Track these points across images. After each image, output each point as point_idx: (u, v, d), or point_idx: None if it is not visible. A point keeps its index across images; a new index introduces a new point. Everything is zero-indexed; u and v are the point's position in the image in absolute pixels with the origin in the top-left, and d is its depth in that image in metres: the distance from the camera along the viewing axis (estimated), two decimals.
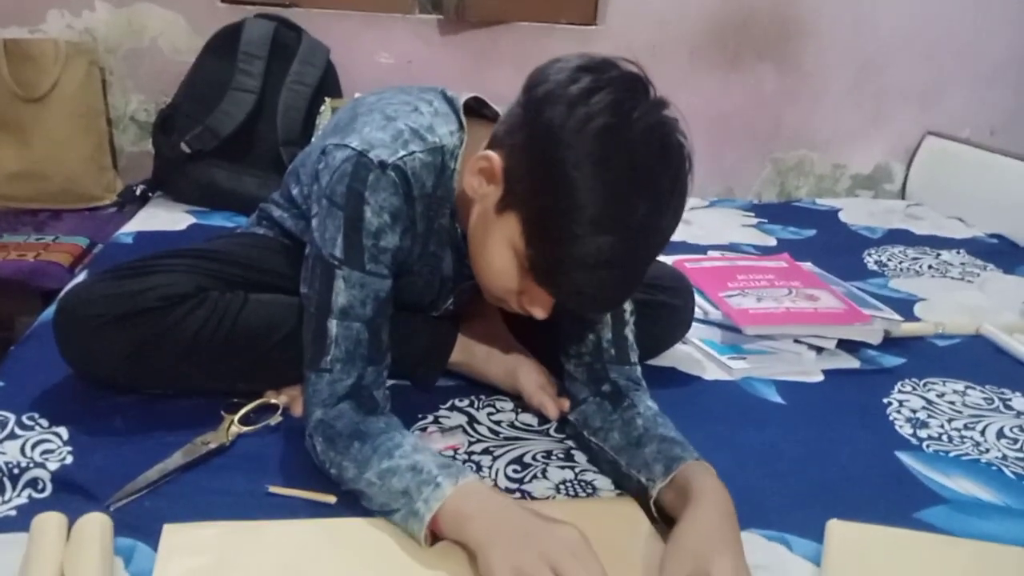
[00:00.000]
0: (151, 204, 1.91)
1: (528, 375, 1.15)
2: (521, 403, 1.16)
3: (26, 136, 1.89)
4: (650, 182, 0.83)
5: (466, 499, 0.82)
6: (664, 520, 0.92)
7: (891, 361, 1.40)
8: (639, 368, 1.08)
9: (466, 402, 1.17)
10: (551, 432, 1.12)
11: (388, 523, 0.87)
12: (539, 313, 0.93)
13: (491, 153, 0.89)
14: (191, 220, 1.79)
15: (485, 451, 1.06)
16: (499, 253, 0.90)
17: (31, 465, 0.94)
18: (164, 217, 1.80)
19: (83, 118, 1.94)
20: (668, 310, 1.24)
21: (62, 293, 1.09)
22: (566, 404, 1.10)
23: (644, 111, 0.84)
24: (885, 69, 2.41)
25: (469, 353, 1.18)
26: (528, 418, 1.14)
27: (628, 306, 1.08)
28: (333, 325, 0.94)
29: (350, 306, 0.95)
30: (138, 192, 1.96)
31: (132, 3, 2.01)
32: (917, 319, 1.57)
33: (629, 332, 1.08)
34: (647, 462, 0.95)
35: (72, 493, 0.91)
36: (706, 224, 2.08)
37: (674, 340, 1.30)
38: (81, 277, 1.45)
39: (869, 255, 1.94)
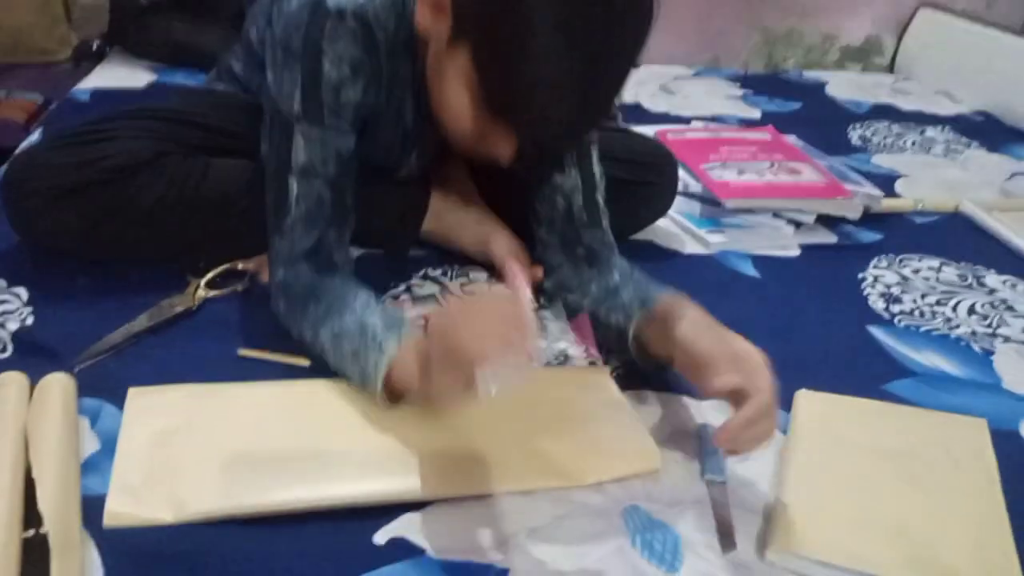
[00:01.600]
0: (108, 60, 1.81)
1: (500, 242, 1.13)
2: (494, 272, 1.14)
3: None
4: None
5: (409, 354, 0.80)
6: (646, 363, 0.93)
7: (869, 237, 1.39)
8: (611, 233, 1.07)
9: (439, 271, 1.15)
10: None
11: (330, 384, 0.87)
12: (503, 154, 0.86)
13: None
14: (151, 77, 1.71)
15: None
16: (454, 92, 0.83)
17: None
18: (122, 73, 1.71)
19: None
20: (651, 188, 1.21)
21: (10, 159, 1.03)
22: (539, 272, 1.08)
23: None
24: None
25: (441, 221, 1.15)
26: (502, 288, 1.13)
27: (598, 170, 1.05)
28: (294, 184, 0.90)
29: (311, 164, 0.90)
30: (94, 47, 1.86)
31: None
32: (898, 195, 1.56)
33: (600, 196, 1.05)
34: (624, 304, 0.95)
35: (34, 355, 0.89)
36: (690, 94, 2.02)
37: (656, 217, 1.28)
38: (35, 136, 1.38)
39: (854, 129, 1.91)
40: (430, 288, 1.11)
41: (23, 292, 0.99)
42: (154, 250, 1.04)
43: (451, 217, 1.15)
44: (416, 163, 1.10)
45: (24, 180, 0.97)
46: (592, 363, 0.99)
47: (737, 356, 0.80)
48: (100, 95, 1.59)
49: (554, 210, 1.05)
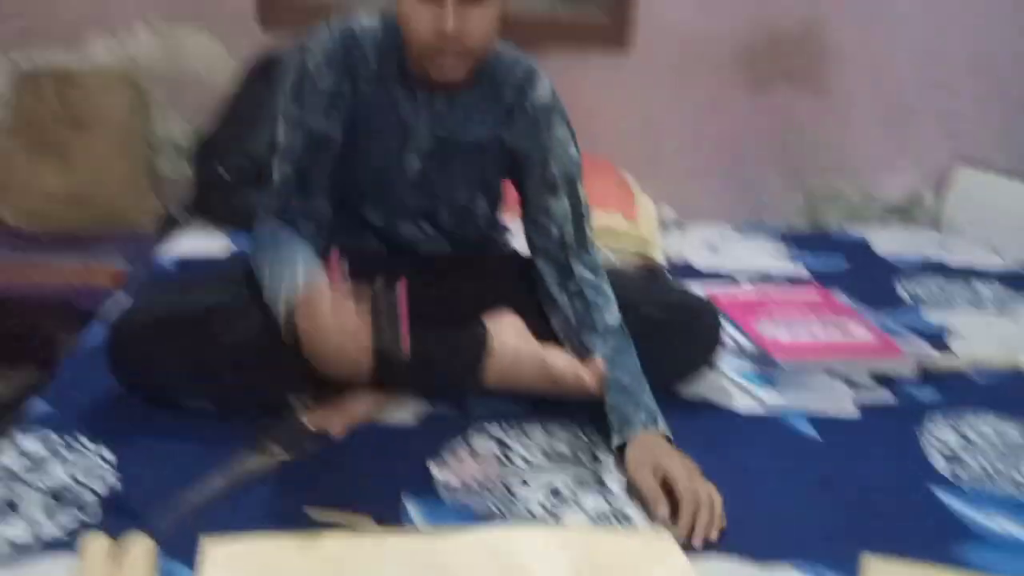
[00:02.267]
0: (190, 228, 1.95)
1: (556, 358, 1.17)
2: (554, 431, 1.17)
3: (69, 160, 1.95)
4: None
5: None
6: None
7: (926, 395, 1.39)
8: (599, 257, 1.26)
9: (497, 429, 1.18)
10: (583, 461, 1.12)
11: (422, 539, 0.90)
12: (448, 23, 1.04)
13: None
14: (230, 245, 1.83)
15: (518, 478, 1.07)
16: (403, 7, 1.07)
17: (79, 487, 0.96)
18: (202, 241, 1.84)
19: (124, 143, 1.99)
20: (689, 331, 1.28)
21: (118, 312, 1.18)
22: (600, 365, 1.15)
23: None
24: (916, 96, 2.40)
25: (500, 368, 1.19)
26: (561, 447, 1.15)
27: (585, 201, 1.25)
28: (275, 163, 1.15)
29: (286, 147, 1.14)
30: (177, 216, 2.00)
31: (174, 30, 2.06)
32: (951, 352, 1.56)
33: (588, 227, 1.25)
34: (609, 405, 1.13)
35: (118, 515, 0.93)
36: (736, 252, 2.08)
37: (698, 365, 1.31)
38: (121, 298, 1.48)
39: (901, 285, 1.93)
40: (490, 446, 1.14)
41: (109, 453, 1.04)
42: (241, 389, 1.12)
43: (506, 353, 1.19)
44: (416, 164, 1.21)
45: (127, 324, 1.12)
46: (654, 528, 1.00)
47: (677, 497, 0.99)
48: (183, 262, 1.70)
49: (548, 239, 1.24)
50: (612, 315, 1.20)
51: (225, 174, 1.87)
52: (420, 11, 1.07)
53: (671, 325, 1.25)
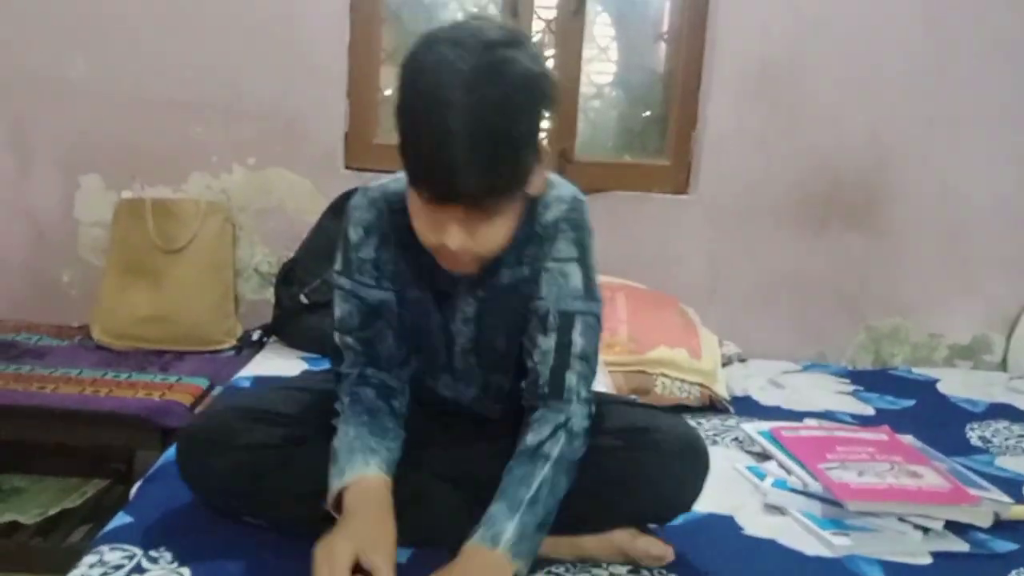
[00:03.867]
0: (267, 349, 2.04)
1: (623, 535, 1.17)
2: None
3: (160, 283, 2.07)
4: (443, 66, 0.94)
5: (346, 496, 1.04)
6: None
7: (1003, 546, 1.34)
8: (580, 408, 1.12)
9: (561, 567, 1.18)
10: None
11: None
12: (453, 241, 0.99)
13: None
14: (303, 366, 1.90)
15: None
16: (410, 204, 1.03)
17: None
18: (279, 362, 1.92)
19: (213, 268, 2.12)
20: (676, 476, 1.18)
21: (195, 419, 1.26)
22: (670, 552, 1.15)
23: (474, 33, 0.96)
24: (977, 236, 2.42)
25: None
26: None
27: (578, 350, 1.12)
28: (337, 337, 1.16)
29: (343, 319, 1.15)
30: (255, 337, 2.10)
31: (266, 168, 2.23)
32: None
33: (571, 375, 1.12)
34: (493, 509, 1.05)
35: None
36: (800, 389, 2.08)
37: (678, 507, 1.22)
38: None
39: (972, 430, 1.89)
40: None
41: (187, 572, 1.08)
42: (304, 511, 1.14)
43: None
44: (464, 338, 1.18)
45: (191, 435, 1.19)
46: None
47: None
48: (260, 381, 1.77)
49: (531, 371, 1.14)
50: (535, 437, 1.10)
51: (305, 299, 1.96)
52: (423, 214, 1.01)
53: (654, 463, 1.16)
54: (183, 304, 2.06)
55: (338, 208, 2.08)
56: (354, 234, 1.14)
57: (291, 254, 2.12)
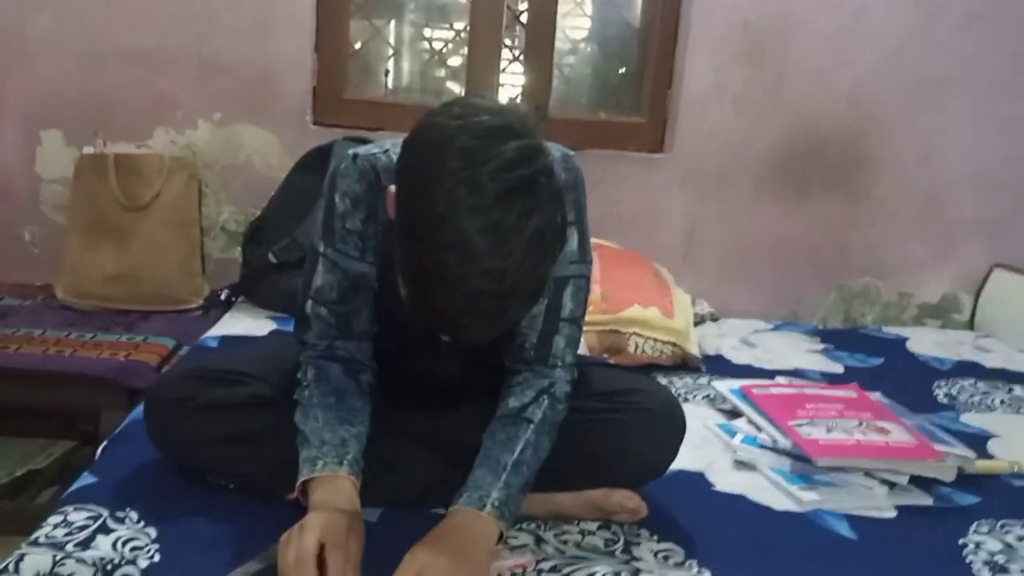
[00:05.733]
0: (235, 309, 2.01)
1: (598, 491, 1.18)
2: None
3: (125, 242, 2.03)
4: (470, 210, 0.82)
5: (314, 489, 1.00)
6: None
7: (966, 499, 1.37)
8: (564, 373, 1.12)
9: (532, 524, 1.18)
10: (617, 554, 1.12)
11: None
12: (445, 338, 0.96)
13: (391, 188, 0.92)
14: (272, 326, 1.88)
15: (553, 569, 1.07)
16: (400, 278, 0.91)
17: (123, 562, 0.98)
18: (247, 322, 1.89)
19: (179, 226, 2.07)
20: (652, 434, 1.19)
21: (157, 381, 1.23)
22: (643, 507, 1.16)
23: (495, 156, 0.83)
24: (952, 200, 2.43)
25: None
26: (594, 540, 1.15)
27: (568, 311, 1.11)
28: (310, 305, 1.11)
29: (321, 288, 1.10)
30: (223, 297, 2.07)
31: (232, 123, 2.17)
32: (991, 456, 1.54)
33: (559, 339, 1.12)
34: (476, 474, 1.04)
35: None
36: (771, 348, 2.09)
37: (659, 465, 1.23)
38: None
39: (939, 387, 1.92)
40: (525, 538, 1.14)
41: (152, 529, 1.06)
42: (269, 473, 1.12)
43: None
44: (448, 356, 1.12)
45: (156, 395, 1.18)
46: None
47: None
48: (227, 341, 1.75)
49: (518, 335, 1.12)
50: (518, 400, 1.10)
51: (273, 258, 1.93)
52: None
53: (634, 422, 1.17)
54: (149, 263, 2.02)
55: (307, 165, 2.04)
56: (340, 203, 1.07)
57: (258, 212, 2.08)
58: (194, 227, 2.11)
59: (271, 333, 1.81)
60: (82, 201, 2.06)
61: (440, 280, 0.83)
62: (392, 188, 0.91)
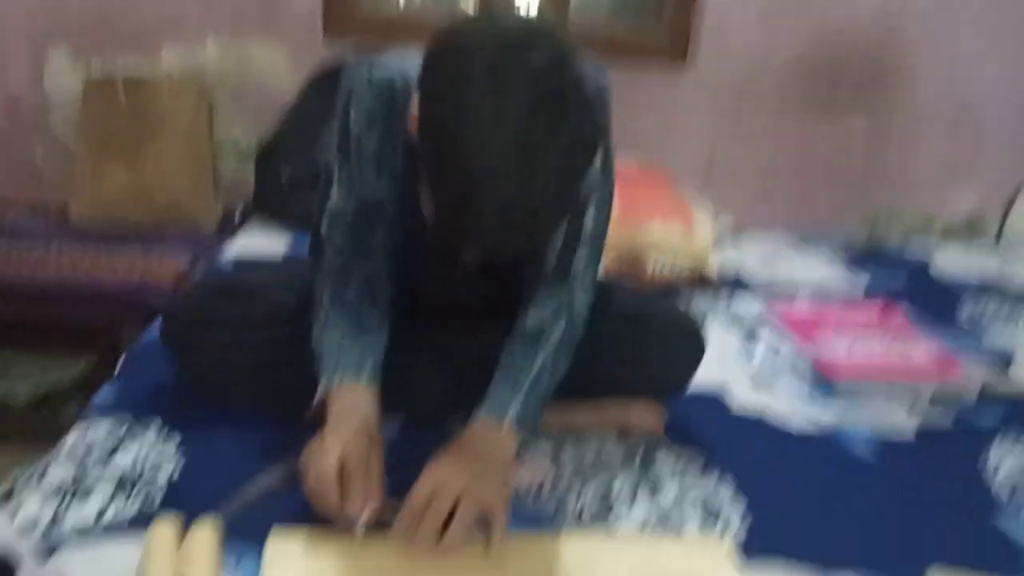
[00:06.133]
0: (249, 228, 1.99)
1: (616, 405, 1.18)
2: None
3: (137, 162, 2.00)
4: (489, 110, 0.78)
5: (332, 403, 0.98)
6: None
7: (987, 420, 1.35)
8: (583, 293, 1.08)
9: (551, 437, 1.18)
10: (635, 466, 1.12)
11: (479, 541, 0.90)
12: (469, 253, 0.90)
13: (415, 101, 0.87)
14: (285, 244, 1.86)
15: (571, 480, 1.08)
16: (424, 193, 0.88)
17: (145, 473, 0.99)
18: (261, 242, 1.88)
19: (190, 146, 2.04)
20: (672, 351, 1.19)
21: (176, 299, 1.23)
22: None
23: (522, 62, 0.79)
24: (982, 115, 2.36)
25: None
26: (612, 453, 1.15)
27: (589, 225, 1.07)
28: (324, 227, 1.07)
29: (336, 210, 1.05)
30: (237, 216, 2.05)
31: (241, 39, 2.11)
32: (1014, 376, 1.52)
33: (579, 258, 1.08)
34: (495, 387, 1.03)
35: (184, 499, 0.95)
36: (793, 267, 2.06)
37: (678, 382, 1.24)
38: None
39: (962, 306, 1.89)
40: (543, 448, 1.15)
41: (176, 440, 1.07)
42: (287, 391, 1.11)
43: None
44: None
45: (173, 315, 1.17)
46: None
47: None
48: (241, 261, 1.74)
49: (533, 261, 1.08)
50: (536, 319, 1.07)
51: (285, 177, 1.90)
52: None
53: (658, 340, 1.17)
54: (161, 183, 2.00)
55: (318, 81, 1.99)
56: (356, 123, 1.02)
57: (270, 130, 2.04)
58: (205, 146, 2.07)
59: (285, 257, 1.80)
60: (91, 123, 2.03)
61: (468, 195, 0.80)
62: (414, 104, 0.88)
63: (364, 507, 0.88)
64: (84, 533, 0.89)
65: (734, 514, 1.04)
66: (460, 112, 0.79)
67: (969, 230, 2.47)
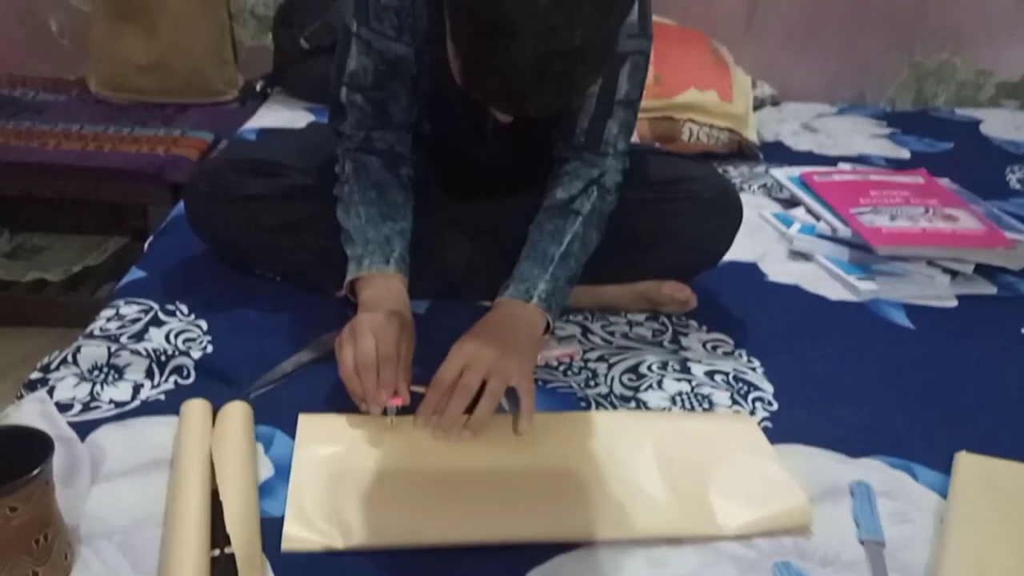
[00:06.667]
0: (271, 100, 1.95)
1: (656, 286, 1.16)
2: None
3: (153, 29, 1.93)
4: None
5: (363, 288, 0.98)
6: None
7: None
8: (616, 162, 1.05)
9: (579, 316, 1.17)
10: (665, 344, 1.11)
11: (507, 420, 0.91)
12: (502, 116, 0.86)
13: None
14: (310, 117, 1.82)
15: (600, 359, 1.07)
16: (450, 50, 0.83)
17: (176, 353, 1.00)
18: (284, 114, 1.84)
19: (206, 9, 1.95)
20: (709, 214, 1.15)
21: (198, 172, 1.21)
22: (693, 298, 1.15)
23: None
24: None
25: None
26: (642, 330, 1.14)
27: (624, 94, 1.03)
28: (344, 93, 1.03)
29: (356, 73, 1.01)
30: (258, 88, 1.99)
31: None
32: None
33: (612, 124, 1.04)
34: (522, 266, 1.01)
35: (214, 380, 0.96)
36: (834, 132, 1.98)
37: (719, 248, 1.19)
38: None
39: (1012, 172, 1.81)
40: (571, 329, 1.14)
41: (204, 322, 1.08)
42: (313, 262, 1.12)
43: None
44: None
45: (208, 189, 1.14)
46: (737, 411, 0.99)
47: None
48: (265, 133, 1.70)
49: (563, 126, 1.05)
50: (566, 191, 1.05)
51: (305, 44, 1.83)
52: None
53: (696, 205, 1.13)
54: (178, 50, 1.93)
55: None
56: None
57: None
58: (222, 10, 1.99)
59: (309, 125, 1.75)
60: None
61: (500, 39, 0.75)
62: None
63: (394, 393, 0.88)
64: (119, 413, 0.90)
65: (763, 396, 1.02)
66: None
67: (1022, 90, 2.33)
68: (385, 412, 0.88)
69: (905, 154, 1.88)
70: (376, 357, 0.88)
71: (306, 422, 0.89)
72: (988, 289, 1.30)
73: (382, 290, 0.97)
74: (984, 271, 1.32)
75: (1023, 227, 1.42)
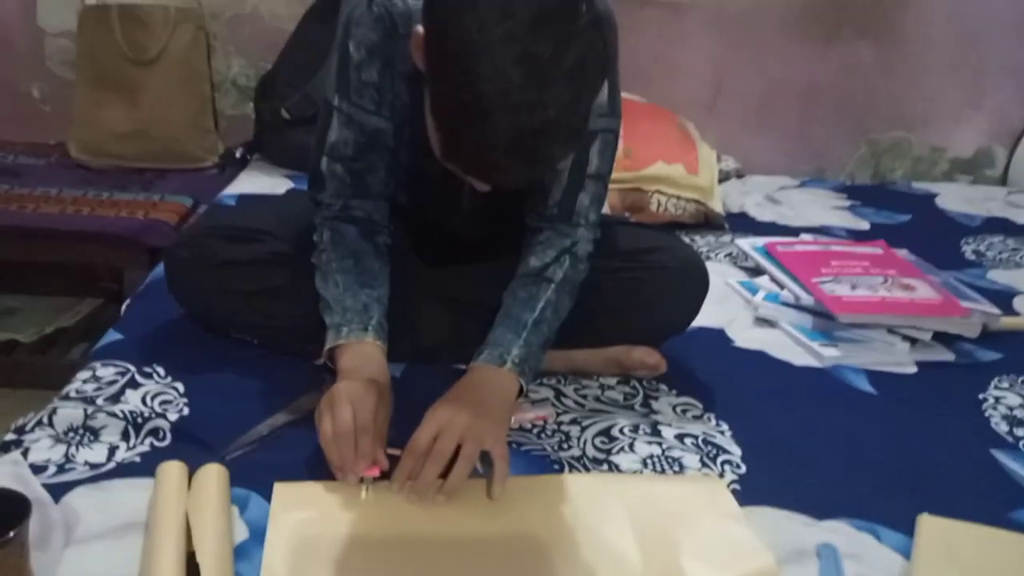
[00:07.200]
0: (251, 167, 1.98)
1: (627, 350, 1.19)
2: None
3: (135, 97, 1.98)
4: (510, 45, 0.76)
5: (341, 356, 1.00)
6: None
7: (988, 356, 1.36)
8: (587, 232, 1.09)
9: (553, 379, 1.19)
10: (636, 407, 1.14)
11: (481, 484, 0.92)
12: (479, 185, 0.89)
13: (419, 28, 0.85)
14: (289, 184, 1.85)
15: (573, 421, 1.09)
16: (429, 123, 0.86)
17: (152, 415, 1.00)
18: (264, 180, 1.87)
19: (188, 81, 2.01)
20: (677, 290, 1.18)
21: (179, 237, 1.24)
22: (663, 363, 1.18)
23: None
24: (989, 45, 2.30)
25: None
26: (614, 394, 1.16)
27: (595, 167, 1.07)
28: (324, 163, 1.06)
29: (336, 144, 1.04)
30: (238, 155, 2.03)
31: None
32: (1016, 313, 1.53)
33: (584, 196, 1.08)
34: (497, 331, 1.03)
35: (190, 443, 0.97)
36: (797, 204, 2.05)
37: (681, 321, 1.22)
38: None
39: (967, 243, 1.89)
40: (545, 392, 1.16)
41: (180, 384, 1.08)
42: (290, 328, 1.14)
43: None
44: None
45: (177, 251, 1.17)
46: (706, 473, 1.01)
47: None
48: (245, 200, 1.73)
49: (537, 197, 1.08)
50: (539, 260, 1.07)
51: (286, 115, 1.88)
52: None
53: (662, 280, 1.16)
54: (160, 118, 1.98)
55: (318, 13, 1.95)
56: (356, 53, 1.00)
57: (269, 65, 2.01)
58: (204, 82, 2.04)
59: (288, 191, 1.78)
60: (87, 55, 1.99)
61: (476, 117, 0.79)
62: (419, 27, 0.86)
63: (371, 463, 0.89)
64: (94, 475, 0.90)
65: (731, 459, 1.05)
66: (461, 29, 0.78)
67: (976, 165, 2.44)
68: (362, 481, 0.89)
69: (865, 225, 1.95)
70: (354, 427, 0.89)
71: (281, 490, 0.90)
72: (946, 356, 1.35)
73: (360, 357, 0.99)
74: (942, 338, 1.37)
75: (978, 297, 1.47)
